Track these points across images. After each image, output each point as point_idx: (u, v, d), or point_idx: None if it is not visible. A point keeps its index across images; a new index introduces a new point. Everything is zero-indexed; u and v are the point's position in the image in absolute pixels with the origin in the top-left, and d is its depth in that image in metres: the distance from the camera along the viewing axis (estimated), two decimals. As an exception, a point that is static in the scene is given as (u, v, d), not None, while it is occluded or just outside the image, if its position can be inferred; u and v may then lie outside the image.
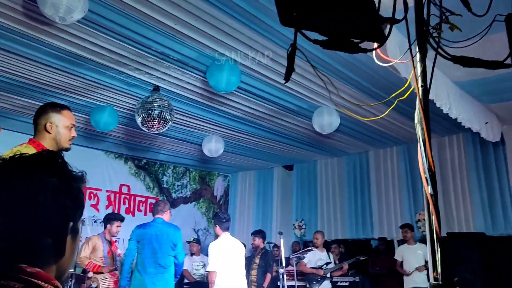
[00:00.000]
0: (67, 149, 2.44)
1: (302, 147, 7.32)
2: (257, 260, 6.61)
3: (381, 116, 3.34)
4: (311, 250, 6.34)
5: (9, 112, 5.55)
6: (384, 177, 7.28)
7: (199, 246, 7.45)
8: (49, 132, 2.39)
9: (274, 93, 5.06)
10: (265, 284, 6.34)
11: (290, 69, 1.17)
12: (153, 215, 4.96)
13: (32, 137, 2.42)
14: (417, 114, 1.28)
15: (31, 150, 2.26)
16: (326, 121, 5.26)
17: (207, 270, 5.14)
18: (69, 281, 4.50)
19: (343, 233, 7.60)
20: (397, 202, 7.05)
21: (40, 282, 0.77)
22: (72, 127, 2.47)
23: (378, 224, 7.21)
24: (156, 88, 4.84)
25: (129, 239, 4.87)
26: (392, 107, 2.11)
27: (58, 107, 2.48)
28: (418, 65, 1.31)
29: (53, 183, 0.82)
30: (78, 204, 0.86)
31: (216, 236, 5.29)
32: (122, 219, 5.59)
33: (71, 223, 0.83)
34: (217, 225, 5.11)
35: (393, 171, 7.21)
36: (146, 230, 4.78)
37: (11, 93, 5.02)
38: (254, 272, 6.55)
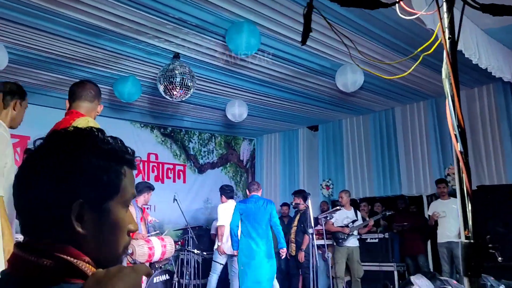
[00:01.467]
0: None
1: (326, 107, 7.23)
2: (296, 221, 6.71)
3: (406, 73, 3.25)
4: (339, 209, 6.38)
5: (36, 88, 5.66)
6: (412, 133, 7.15)
7: None
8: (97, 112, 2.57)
9: (295, 54, 4.96)
10: (304, 246, 6.45)
11: (307, 30, 1.12)
12: (249, 193, 5.87)
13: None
14: (445, 68, 1.22)
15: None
16: (350, 79, 5.15)
17: (217, 225, 6.31)
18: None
19: (370, 191, 7.60)
20: (426, 157, 6.94)
21: (70, 258, 0.76)
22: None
23: (406, 180, 7.15)
24: (176, 55, 4.81)
25: (233, 213, 5.74)
26: (418, 62, 2.03)
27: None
28: (445, 16, 1.24)
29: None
30: (93, 182, 0.80)
31: None
32: (154, 189, 5.79)
33: (80, 200, 0.78)
34: (222, 195, 6.38)
35: (420, 126, 7.06)
36: (246, 204, 5.72)
37: (37, 69, 5.10)
38: (293, 232, 6.67)
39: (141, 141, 7.62)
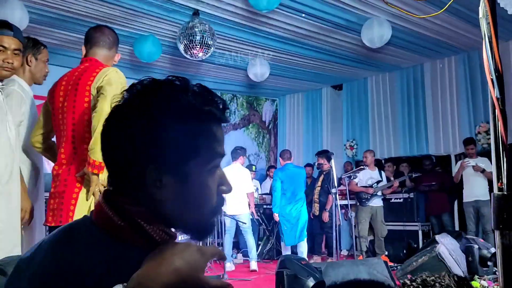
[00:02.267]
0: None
1: (351, 65, 7.01)
2: (320, 181, 6.70)
3: (438, 13, 3.04)
4: (363, 169, 6.30)
5: (56, 48, 5.65)
6: (441, 90, 6.88)
7: (254, 173, 7.62)
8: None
9: (319, 8, 4.75)
10: (327, 206, 6.45)
11: None
12: (283, 161, 6.35)
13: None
14: (482, 6, 1.10)
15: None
16: (377, 33, 4.93)
17: None
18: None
19: (396, 151, 7.45)
20: (455, 115, 6.71)
21: (143, 222, 0.73)
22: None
23: (433, 140, 6.97)
24: (196, 13, 4.69)
25: (274, 179, 6.36)
26: (448, 5, 1.88)
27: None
28: None
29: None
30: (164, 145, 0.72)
31: None
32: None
33: (153, 165, 0.71)
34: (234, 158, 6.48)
35: (450, 83, 6.79)
36: (284, 172, 6.26)
37: (54, 28, 5.07)
38: (316, 192, 6.68)
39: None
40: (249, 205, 6.22)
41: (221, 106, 0.77)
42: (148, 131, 0.71)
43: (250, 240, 6.01)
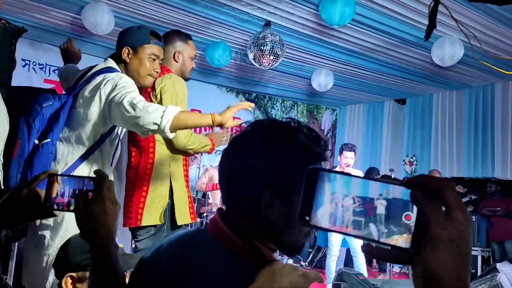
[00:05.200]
0: (188, 79, 2.58)
1: (417, 80, 6.87)
2: None
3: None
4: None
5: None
6: (512, 112, 6.60)
7: None
8: (176, 62, 2.51)
9: (389, 24, 4.74)
10: None
11: (432, 26, 1.09)
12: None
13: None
14: None
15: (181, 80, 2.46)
16: (448, 52, 4.84)
17: None
18: None
19: (458, 171, 7.20)
20: (526, 140, 6.41)
21: (258, 243, 0.84)
22: (194, 58, 2.59)
23: (500, 163, 6.67)
24: (268, 23, 4.85)
25: None
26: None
27: (184, 36, 2.59)
28: None
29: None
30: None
31: None
32: None
33: (269, 192, 0.85)
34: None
35: (523, 106, 6.49)
36: None
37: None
38: None
39: (226, 105, 7.78)
40: None
41: (324, 147, 0.91)
42: (269, 161, 0.85)
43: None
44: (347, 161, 5.24)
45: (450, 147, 7.34)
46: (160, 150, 2.33)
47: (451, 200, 0.50)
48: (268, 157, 0.85)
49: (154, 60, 2.11)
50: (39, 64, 5.99)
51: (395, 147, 8.26)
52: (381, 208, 0.52)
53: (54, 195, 0.95)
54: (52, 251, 1.75)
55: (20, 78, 5.85)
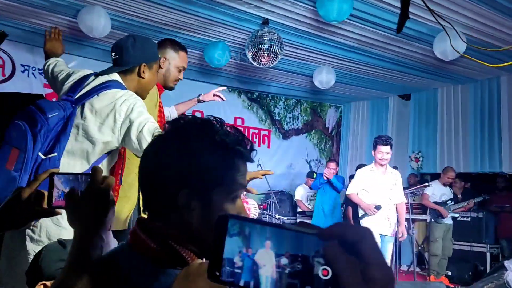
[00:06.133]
0: (171, 88, 2.56)
1: (420, 75, 6.77)
2: None
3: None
4: (428, 186, 6.07)
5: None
6: (519, 105, 6.47)
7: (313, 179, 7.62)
8: (161, 67, 2.42)
9: (389, 18, 4.65)
10: None
11: (404, 17, 1.02)
12: None
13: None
14: None
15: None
16: (450, 46, 4.73)
17: None
18: None
19: (465, 167, 7.08)
20: (534, 133, 6.28)
21: (174, 244, 0.81)
22: (182, 70, 2.53)
23: (508, 157, 6.54)
24: (266, 22, 4.78)
25: None
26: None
27: (177, 46, 2.52)
28: None
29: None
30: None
31: None
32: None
33: (186, 190, 0.82)
34: None
35: (530, 98, 6.36)
36: None
37: (129, 33, 5.38)
38: None
39: (228, 105, 7.80)
40: None
41: (248, 147, 0.87)
42: (184, 159, 0.81)
43: None
44: (382, 157, 4.69)
45: (456, 142, 7.22)
46: (131, 156, 2.27)
47: (367, 256, 0.43)
48: (184, 155, 0.82)
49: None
50: (39, 70, 5.98)
51: (400, 143, 8.14)
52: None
53: (56, 194, 0.97)
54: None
55: (20, 83, 5.86)
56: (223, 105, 7.58)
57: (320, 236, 0.45)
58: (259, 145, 8.23)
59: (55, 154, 1.70)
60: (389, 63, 6.18)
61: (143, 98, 2.03)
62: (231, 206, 0.86)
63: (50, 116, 1.72)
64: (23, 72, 5.96)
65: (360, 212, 4.75)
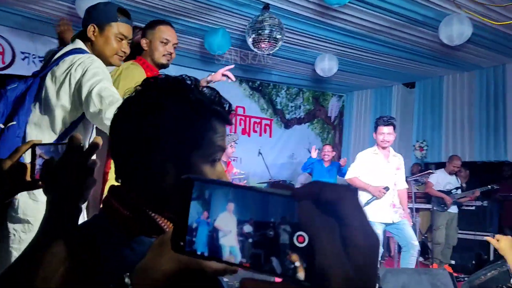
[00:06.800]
0: (164, 66, 2.49)
1: (425, 62, 6.65)
2: None
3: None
4: (432, 173, 5.99)
5: (133, 40, 5.91)
6: (525, 93, 6.35)
7: None
8: (145, 49, 2.43)
9: (394, 2, 4.54)
10: None
11: None
12: None
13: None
14: None
15: (136, 67, 2.38)
16: (456, 30, 4.62)
17: None
18: None
19: (470, 155, 6.99)
20: (540, 121, 6.17)
21: (150, 212, 0.76)
22: (167, 42, 2.46)
23: (513, 146, 6.46)
24: (266, 7, 4.68)
25: None
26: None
27: (154, 23, 2.50)
28: None
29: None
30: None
31: None
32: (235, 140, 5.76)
33: (159, 155, 0.77)
34: None
35: (536, 86, 6.24)
36: None
37: (134, 20, 5.28)
38: None
39: (230, 94, 7.53)
40: None
41: (227, 108, 0.81)
42: (156, 121, 0.75)
43: None
44: (384, 138, 4.38)
45: (461, 130, 7.12)
46: None
47: (348, 218, 0.37)
48: (156, 116, 0.75)
49: (121, 39, 1.98)
50: (39, 57, 5.90)
51: (405, 132, 8.03)
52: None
53: (38, 166, 0.94)
54: (24, 246, 1.64)
55: (21, 70, 5.77)
56: (224, 93, 7.48)
57: (294, 197, 0.38)
58: (260, 135, 8.15)
59: (14, 122, 1.72)
60: (393, 49, 6.06)
61: (107, 64, 1.96)
62: (211, 170, 0.79)
63: (9, 88, 1.76)
64: (23, 59, 5.88)
65: (365, 198, 4.37)
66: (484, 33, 5.20)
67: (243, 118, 7.99)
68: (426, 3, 4.48)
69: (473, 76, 7.04)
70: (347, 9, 4.67)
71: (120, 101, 1.64)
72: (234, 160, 6.67)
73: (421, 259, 6.51)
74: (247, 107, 8.05)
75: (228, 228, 0.40)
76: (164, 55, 2.47)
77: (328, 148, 6.71)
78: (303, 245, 0.37)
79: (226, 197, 0.41)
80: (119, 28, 1.97)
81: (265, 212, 0.40)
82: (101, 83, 1.72)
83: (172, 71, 3.03)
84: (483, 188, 6.25)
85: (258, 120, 8.19)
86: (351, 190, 0.38)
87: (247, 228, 0.40)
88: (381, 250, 4.70)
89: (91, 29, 1.94)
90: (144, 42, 2.45)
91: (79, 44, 1.94)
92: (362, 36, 5.57)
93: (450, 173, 6.12)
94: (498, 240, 1.84)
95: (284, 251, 0.38)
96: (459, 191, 6.00)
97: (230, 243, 0.40)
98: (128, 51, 2.05)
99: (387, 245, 6.78)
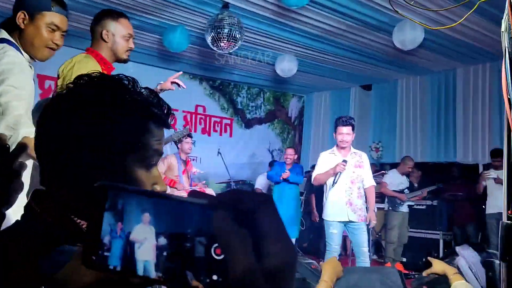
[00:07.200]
0: (125, 61, 2.39)
1: (381, 65, 6.85)
2: None
3: (457, 23, 2.93)
4: (384, 173, 6.17)
5: (85, 33, 5.73)
6: (473, 97, 6.66)
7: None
8: (105, 41, 2.29)
9: (350, 6, 4.65)
10: None
11: None
12: None
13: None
14: (505, 20, 1.04)
15: (91, 60, 2.25)
16: (409, 36, 4.79)
17: None
18: None
19: (423, 156, 7.26)
20: (486, 124, 6.48)
21: (75, 218, 0.72)
22: (129, 38, 2.36)
23: (462, 148, 6.76)
24: (226, 5, 4.67)
25: None
26: (473, 9, 1.79)
27: (115, 14, 2.37)
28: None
29: None
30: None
31: None
32: (189, 135, 5.66)
33: (88, 159, 0.72)
34: None
35: (483, 90, 6.55)
36: None
37: (85, 13, 5.12)
38: None
39: (190, 93, 7.62)
40: None
41: (165, 111, 0.77)
42: (88, 119, 0.70)
43: None
44: (343, 138, 4.41)
45: (415, 132, 7.39)
46: None
47: (263, 226, 0.36)
48: (89, 114, 0.71)
49: (54, 30, 1.87)
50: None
51: (361, 133, 8.20)
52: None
53: None
54: None
55: None
56: (183, 92, 7.41)
57: (210, 206, 0.37)
58: (220, 134, 8.13)
59: None
60: (350, 52, 6.21)
61: (34, 56, 1.86)
62: (146, 174, 0.76)
63: None
64: None
65: (330, 182, 4.42)
66: (436, 39, 5.41)
67: (203, 117, 7.94)
68: (380, 8, 4.61)
69: (425, 80, 7.32)
70: (305, 11, 4.74)
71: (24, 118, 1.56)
72: (194, 160, 6.61)
73: (375, 257, 6.71)
74: (207, 106, 8.01)
75: (144, 240, 0.38)
76: (126, 51, 2.36)
77: (290, 151, 6.78)
78: (221, 257, 0.36)
79: (142, 206, 0.39)
80: (52, 17, 1.85)
81: (181, 222, 0.38)
82: (4, 96, 1.63)
83: (130, 67, 2.95)
84: (430, 187, 6.51)
85: (218, 120, 8.16)
86: (269, 199, 0.37)
87: (162, 241, 0.38)
88: (339, 250, 4.70)
89: (20, 16, 1.81)
90: (105, 33, 2.28)
91: (3, 34, 1.81)
92: (321, 38, 5.67)
93: (403, 174, 6.33)
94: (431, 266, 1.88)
95: (200, 264, 0.37)
96: (409, 191, 6.22)
97: (145, 256, 0.38)
98: (61, 43, 1.94)
99: (343, 243, 6.92)
